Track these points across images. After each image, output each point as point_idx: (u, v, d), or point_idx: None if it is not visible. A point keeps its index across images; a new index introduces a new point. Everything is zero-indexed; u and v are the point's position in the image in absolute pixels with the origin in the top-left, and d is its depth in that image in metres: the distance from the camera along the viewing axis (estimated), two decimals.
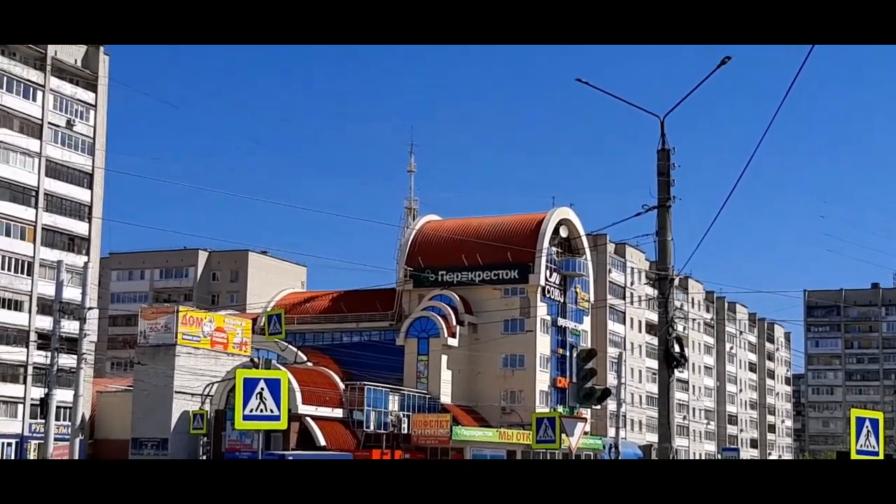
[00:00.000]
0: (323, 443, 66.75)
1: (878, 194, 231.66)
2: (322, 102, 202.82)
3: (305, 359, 77.47)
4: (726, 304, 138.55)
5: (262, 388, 15.41)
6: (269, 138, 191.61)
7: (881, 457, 18.71)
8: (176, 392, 68.16)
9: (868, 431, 17.82)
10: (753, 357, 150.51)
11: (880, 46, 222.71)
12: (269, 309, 79.11)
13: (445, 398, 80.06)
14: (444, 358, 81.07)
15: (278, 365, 60.35)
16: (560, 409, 74.99)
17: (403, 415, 74.17)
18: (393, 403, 74.65)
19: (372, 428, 71.56)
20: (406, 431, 72.55)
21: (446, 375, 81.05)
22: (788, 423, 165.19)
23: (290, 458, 54.50)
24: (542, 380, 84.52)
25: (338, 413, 71.32)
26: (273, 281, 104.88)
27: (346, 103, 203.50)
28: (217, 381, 66.84)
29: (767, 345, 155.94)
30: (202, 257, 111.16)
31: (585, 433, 75.91)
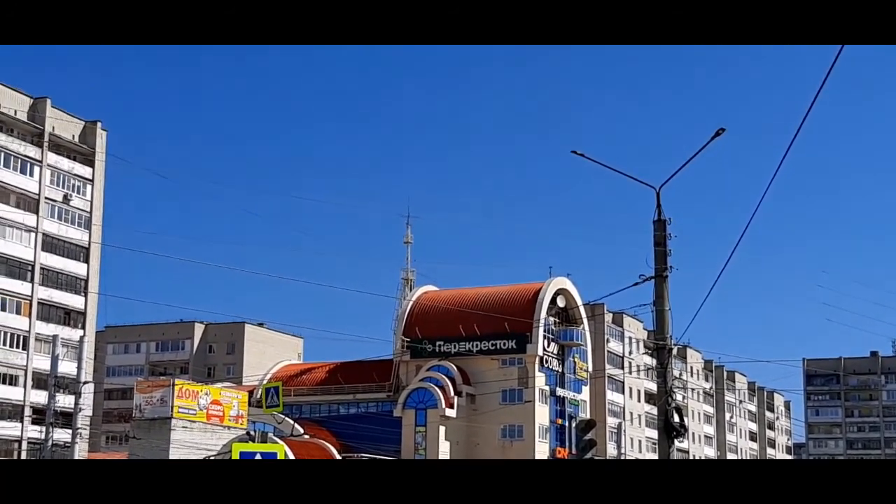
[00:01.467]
0: None
1: (874, 263, 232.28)
2: (318, 174, 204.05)
3: (302, 431, 76.89)
4: (725, 373, 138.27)
5: None
6: (265, 210, 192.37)
7: None
8: None
9: None
10: (754, 426, 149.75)
11: (875, 109, 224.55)
12: (265, 381, 78.78)
13: None
14: (443, 429, 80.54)
15: (275, 438, 59.86)
16: None
17: None
18: None
19: None
20: None
21: (444, 447, 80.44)
22: None
23: None
24: (542, 450, 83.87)
25: None
26: (269, 353, 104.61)
27: (343, 175, 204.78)
28: (213, 455, 66.23)
29: (767, 414, 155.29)
30: (198, 330, 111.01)
31: None
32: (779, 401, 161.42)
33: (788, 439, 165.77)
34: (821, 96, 13.00)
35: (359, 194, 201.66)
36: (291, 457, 65.51)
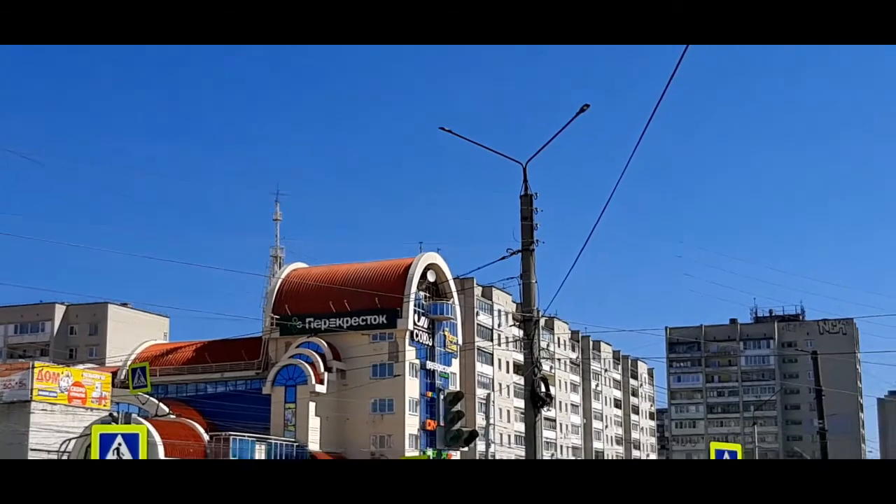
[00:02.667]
0: None
1: (733, 233, 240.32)
2: (184, 152, 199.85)
3: (168, 411, 75.57)
4: (591, 343, 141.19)
5: (120, 444, 14.91)
6: (129, 191, 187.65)
7: None
8: (31, 450, 65.57)
9: None
10: (619, 393, 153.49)
11: (733, 87, 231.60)
12: (130, 361, 77.11)
13: (314, 446, 79.11)
14: (313, 405, 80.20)
15: (139, 419, 58.60)
16: (429, 451, 74.89)
17: None
18: (259, 453, 73.30)
19: None
20: None
21: (315, 423, 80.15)
22: (653, 456, 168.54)
23: None
24: (412, 423, 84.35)
25: None
26: (134, 333, 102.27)
27: (210, 151, 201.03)
28: (74, 438, 64.53)
29: (632, 381, 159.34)
30: (59, 311, 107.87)
31: None
32: (642, 368, 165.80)
33: (652, 405, 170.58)
34: (683, 68, 13.24)
35: (226, 172, 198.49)
36: (156, 437, 64.39)
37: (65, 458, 63.92)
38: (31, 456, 65.39)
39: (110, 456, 15.05)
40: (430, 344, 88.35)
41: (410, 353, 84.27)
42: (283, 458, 75.29)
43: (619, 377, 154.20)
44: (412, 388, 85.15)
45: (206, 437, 71.50)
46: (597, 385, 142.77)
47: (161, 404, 76.14)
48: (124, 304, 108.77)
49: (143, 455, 15.25)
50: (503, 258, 20.07)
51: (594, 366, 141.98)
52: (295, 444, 77.84)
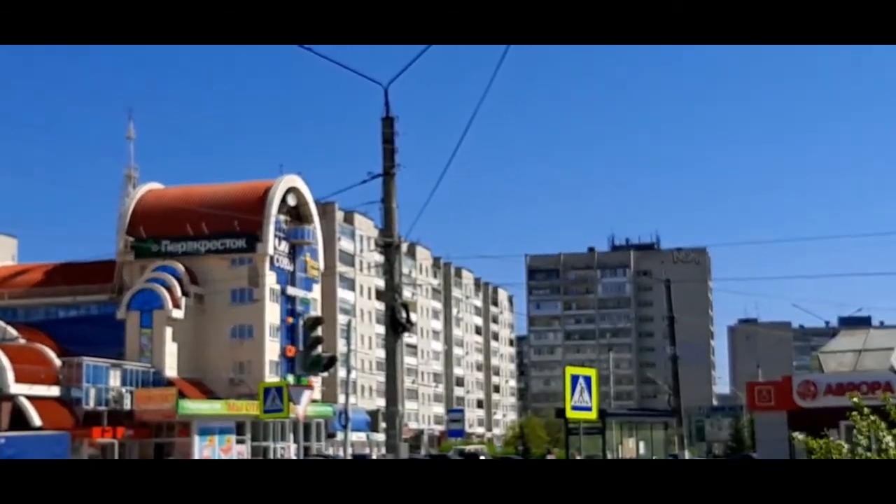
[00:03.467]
0: (38, 423, 63.64)
1: (591, 158, 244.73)
2: (39, 71, 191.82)
3: (17, 334, 73.54)
4: (453, 270, 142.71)
5: None
6: None
7: (594, 411, 19.81)
8: None
9: (582, 388, 18.81)
10: (479, 320, 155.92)
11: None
12: None
13: (171, 372, 78.20)
14: (169, 330, 79.09)
15: None
16: (290, 378, 74.92)
17: (126, 390, 71.87)
18: (114, 379, 72.11)
19: (92, 405, 68.90)
20: (129, 408, 70.45)
21: (172, 349, 79.14)
22: (513, 383, 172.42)
23: (1, 440, 51.57)
24: (272, 349, 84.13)
25: (54, 391, 68.13)
26: None
27: (62, 68, 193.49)
28: None
29: (492, 308, 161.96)
30: None
31: (314, 401, 76.32)
32: (503, 296, 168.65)
33: (511, 332, 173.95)
34: None
35: (77, 88, 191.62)
36: (4, 362, 62.70)
37: None
38: None
39: None
40: (291, 269, 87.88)
41: (271, 279, 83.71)
42: (140, 383, 74.24)
43: (479, 304, 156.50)
44: (272, 313, 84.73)
45: (57, 362, 69.83)
46: (458, 312, 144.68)
47: (9, 328, 74.00)
48: None
49: None
50: (364, 182, 19.98)
51: (455, 293, 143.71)
52: (151, 369, 76.81)
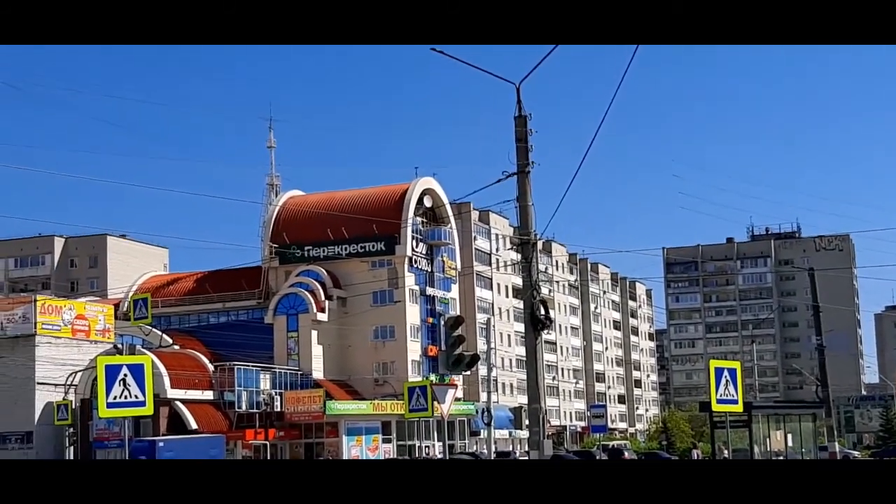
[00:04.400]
0: (194, 426, 65.79)
1: (729, 151, 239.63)
2: (180, 81, 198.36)
3: (171, 342, 76.05)
4: (589, 266, 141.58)
5: (125, 375, 15.08)
6: (126, 121, 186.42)
7: (740, 404, 19.42)
8: (38, 383, 66.13)
9: (727, 381, 18.48)
10: (617, 315, 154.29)
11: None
12: (131, 293, 77.34)
13: (317, 374, 79.74)
14: (315, 333, 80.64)
15: (143, 350, 59.13)
16: (432, 377, 75.51)
17: (275, 393, 73.56)
18: (264, 382, 73.93)
19: (244, 408, 70.77)
20: (279, 409, 72.02)
21: (317, 351, 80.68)
22: (653, 377, 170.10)
23: (161, 443, 53.48)
24: (414, 349, 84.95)
25: (208, 395, 70.30)
26: (134, 265, 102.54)
27: (202, 80, 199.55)
28: (80, 370, 65.08)
29: (630, 303, 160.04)
30: (58, 244, 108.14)
31: (457, 399, 76.70)
32: (640, 290, 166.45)
33: (651, 326, 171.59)
34: None
35: (218, 101, 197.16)
36: (161, 368, 64.89)
37: (72, 390, 64.52)
38: (38, 389, 65.99)
39: (116, 387, 15.20)
40: (429, 270, 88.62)
41: (410, 280, 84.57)
42: (289, 385, 75.90)
43: (617, 299, 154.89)
44: (413, 314, 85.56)
45: (210, 367, 72.03)
46: (595, 307, 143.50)
47: (164, 335, 76.52)
48: (122, 236, 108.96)
49: (148, 385, 15.42)
50: (499, 181, 20.07)
51: (592, 288, 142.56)
52: (299, 371, 78.47)
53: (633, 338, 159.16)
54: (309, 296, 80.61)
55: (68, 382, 64.39)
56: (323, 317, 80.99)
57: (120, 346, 48.69)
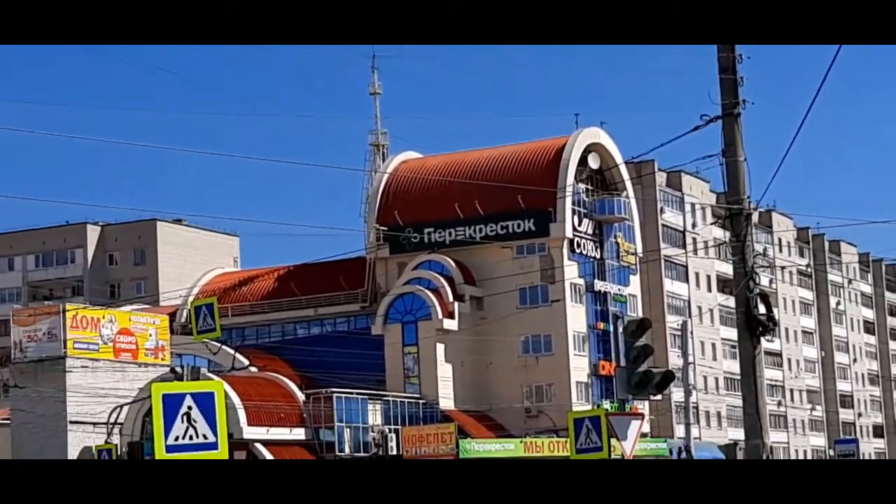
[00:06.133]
0: None
1: None
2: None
3: (247, 363, 77.48)
4: (827, 244, 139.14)
5: (190, 407, 15.37)
6: (178, 66, 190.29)
7: None
8: (71, 422, 68.16)
9: None
10: (870, 313, 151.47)
11: None
12: (192, 298, 79.14)
13: (446, 402, 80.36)
14: (441, 347, 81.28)
15: (209, 374, 59.99)
16: (606, 404, 75.43)
17: (390, 430, 74.47)
18: (374, 415, 74.99)
19: (347, 451, 71.90)
20: (395, 452, 72.81)
21: (445, 371, 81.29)
22: None
23: None
24: (579, 367, 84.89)
25: (298, 434, 71.58)
26: (194, 259, 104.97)
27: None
28: (127, 403, 66.91)
29: (888, 295, 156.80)
30: (93, 233, 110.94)
31: (644, 435, 76.42)
32: None
33: None
34: None
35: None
36: (234, 397, 66.29)
37: (116, 430, 66.37)
38: (71, 429, 68.07)
39: (178, 424, 15.57)
40: (599, 256, 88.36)
41: (571, 271, 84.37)
42: (407, 419, 76.78)
43: (869, 290, 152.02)
44: (576, 318, 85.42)
45: (300, 396, 73.26)
46: (838, 303, 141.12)
47: (238, 354, 77.90)
48: (178, 221, 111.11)
49: (220, 419, 15.76)
50: (696, 128, 19.86)
51: (833, 276, 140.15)
52: (421, 400, 79.19)
53: (893, 345, 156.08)
54: (432, 296, 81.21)
55: (111, 420, 66.15)
56: (451, 324, 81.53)
57: (179, 369, 49.55)
